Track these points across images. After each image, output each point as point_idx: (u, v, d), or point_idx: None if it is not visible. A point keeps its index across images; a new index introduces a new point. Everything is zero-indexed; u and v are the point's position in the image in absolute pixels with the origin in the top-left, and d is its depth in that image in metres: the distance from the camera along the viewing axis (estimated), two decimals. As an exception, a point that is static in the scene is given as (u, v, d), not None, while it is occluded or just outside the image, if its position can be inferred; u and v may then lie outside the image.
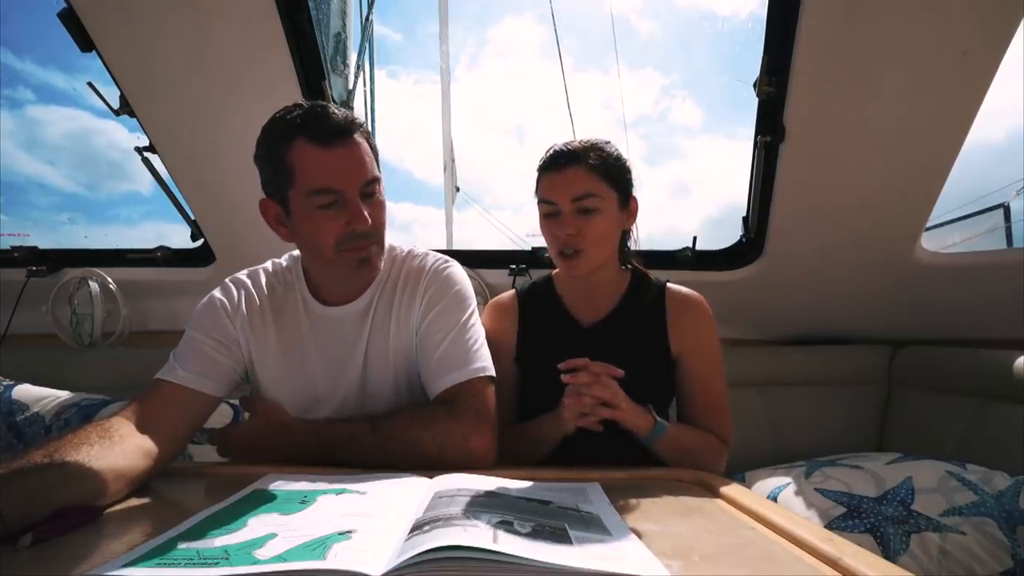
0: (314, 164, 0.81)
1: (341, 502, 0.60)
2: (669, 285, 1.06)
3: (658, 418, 0.89)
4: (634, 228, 1.08)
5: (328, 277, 0.92)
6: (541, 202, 0.99)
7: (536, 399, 1.07)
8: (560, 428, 0.90)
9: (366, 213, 0.83)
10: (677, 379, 1.04)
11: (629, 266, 1.09)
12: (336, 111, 0.83)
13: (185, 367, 0.83)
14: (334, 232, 0.83)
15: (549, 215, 0.98)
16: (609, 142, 1.00)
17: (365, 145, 0.85)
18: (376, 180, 0.86)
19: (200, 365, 0.84)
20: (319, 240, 0.84)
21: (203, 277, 1.79)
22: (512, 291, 1.13)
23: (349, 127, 0.82)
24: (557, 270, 1.13)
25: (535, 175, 1.03)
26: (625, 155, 1.01)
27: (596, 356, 1.01)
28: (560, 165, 0.96)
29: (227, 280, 0.95)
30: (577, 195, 0.94)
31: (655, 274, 1.10)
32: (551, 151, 0.99)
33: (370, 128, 0.90)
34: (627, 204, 1.01)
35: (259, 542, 0.47)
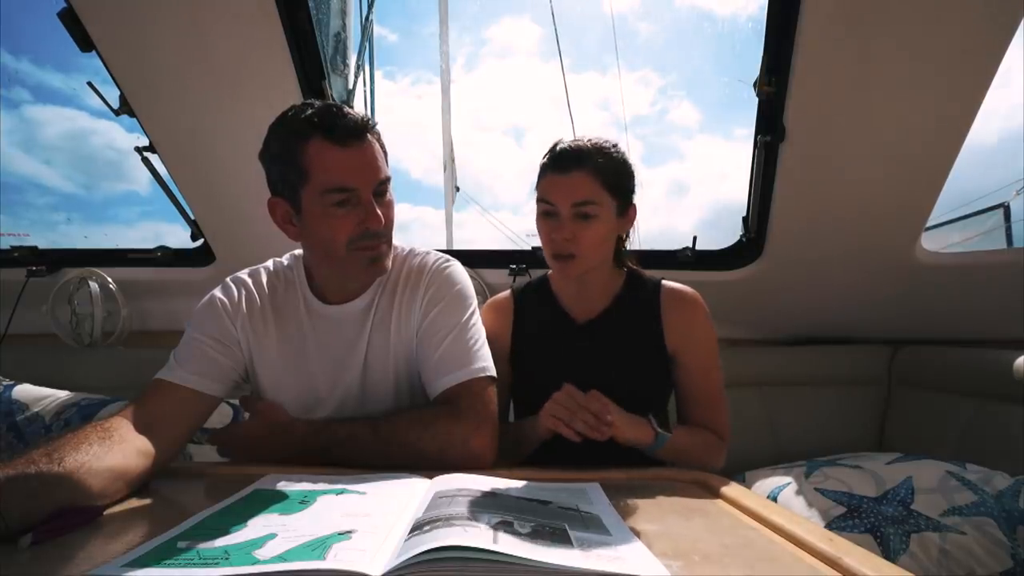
0: (331, 163, 0.81)
1: (341, 502, 0.60)
2: (664, 282, 1.06)
3: (659, 430, 0.89)
4: (631, 231, 1.08)
5: (334, 276, 0.92)
6: (540, 200, 0.98)
7: (531, 396, 1.07)
8: (538, 433, 0.89)
9: (379, 212, 0.84)
10: (675, 376, 1.04)
11: (625, 267, 1.09)
12: (351, 111, 0.83)
13: (185, 367, 0.83)
14: (347, 230, 0.83)
15: (547, 214, 0.97)
16: (616, 145, 0.98)
17: (377, 145, 0.86)
18: (388, 180, 0.87)
19: (200, 365, 0.84)
20: (331, 238, 0.84)
21: (203, 277, 1.79)
22: (508, 291, 1.14)
23: (364, 127, 0.83)
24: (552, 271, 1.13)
25: (538, 168, 1.01)
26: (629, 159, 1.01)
27: (590, 353, 1.02)
28: (565, 167, 0.95)
29: (228, 279, 0.95)
30: (577, 201, 0.93)
31: (654, 274, 1.10)
32: (557, 148, 0.97)
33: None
34: (626, 211, 1.01)
35: (259, 542, 0.47)
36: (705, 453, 0.96)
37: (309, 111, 0.82)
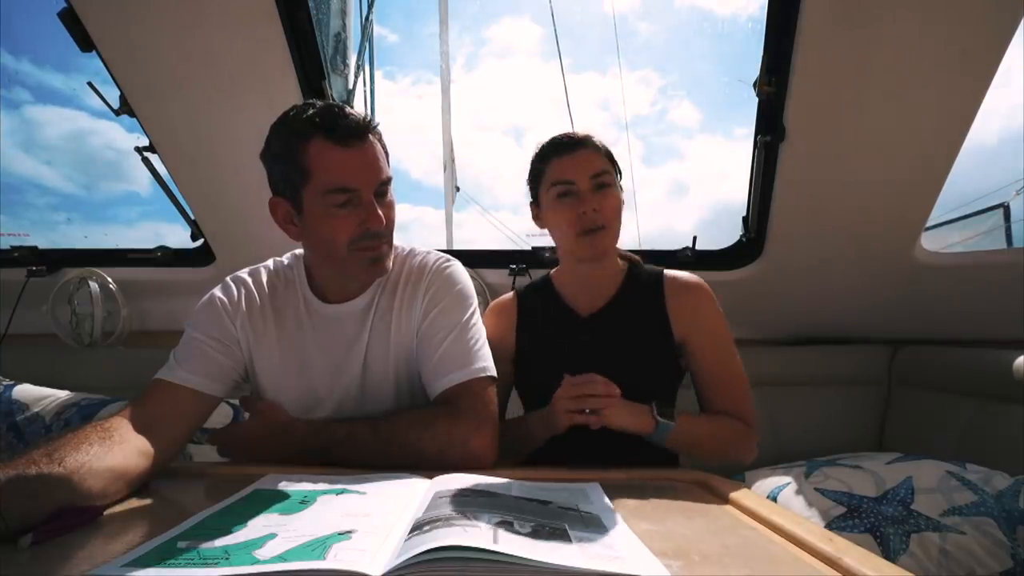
0: (332, 163, 0.81)
1: (341, 502, 0.60)
2: (666, 271, 1.07)
3: (660, 419, 0.89)
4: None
5: (335, 276, 0.93)
6: (556, 184, 0.99)
7: (538, 392, 1.07)
8: (551, 428, 0.91)
9: (380, 213, 0.84)
10: (689, 365, 1.04)
11: (625, 260, 1.10)
12: (352, 111, 0.83)
13: (185, 367, 0.83)
14: (348, 231, 0.83)
15: (565, 195, 0.98)
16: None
17: (379, 146, 0.86)
18: (389, 180, 0.87)
19: (200, 365, 0.84)
20: (333, 238, 0.84)
21: (203, 277, 1.79)
22: (511, 293, 1.15)
23: (366, 127, 0.84)
24: (555, 269, 1.13)
25: (535, 167, 1.04)
26: (619, 154, 1.05)
27: (595, 345, 1.02)
28: (572, 147, 0.99)
29: (227, 278, 0.95)
30: (595, 172, 0.97)
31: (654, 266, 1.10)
32: (553, 140, 1.01)
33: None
34: (621, 188, 1.04)
35: (259, 542, 0.47)
36: (729, 442, 0.95)
37: (311, 111, 0.82)
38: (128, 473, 0.66)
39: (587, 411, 0.86)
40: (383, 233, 0.86)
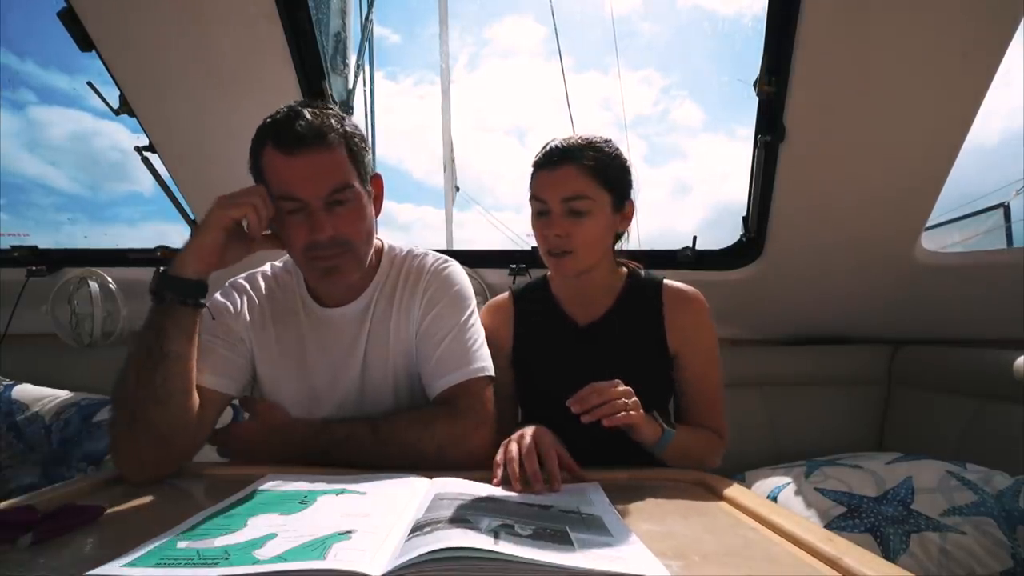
0: (278, 171, 0.80)
1: (341, 502, 0.60)
2: (666, 281, 1.05)
3: (665, 426, 0.88)
4: (627, 231, 1.07)
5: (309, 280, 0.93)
6: (533, 199, 0.97)
7: (537, 401, 1.06)
8: None
9: (329, 223, 0.80)
10: (675, 375, 1.03)
11: (624, 267, 1.08)
12: (309, 117, 0.79)
13: (199, 368, 0.82)
14: (300, 239, 0.81)
15: (540, 213, 0.96)
16: (609, 141, 0.98)
17: (339, 153, 0.81)
18: (346, 188, 0.81)
19: (212, 364, 0.85)
20: (289, 244, 0.84)
21: (203, 277, 1.79)
22: (507, 293, 1.12)
23: (317, 134, 0.78)
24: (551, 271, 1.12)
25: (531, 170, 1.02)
26: (626, 156, 1.00)
27: (593, 356, 1.02)
28: (554, 163, 0.94)
29: (227, 284, 0.95)
30: (567, 196, 0.92)
31: (654, 273, 1.09)
32: (548, 147, 0.97)
33: (369, 128, 0.90)
34: (622, 207, 0.99)
35: (259, 542, 0.47)
36: (706, 452, 0.96)
37: (272, 117, 0.81)
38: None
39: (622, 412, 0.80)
40: (336, 243, 0.81)
